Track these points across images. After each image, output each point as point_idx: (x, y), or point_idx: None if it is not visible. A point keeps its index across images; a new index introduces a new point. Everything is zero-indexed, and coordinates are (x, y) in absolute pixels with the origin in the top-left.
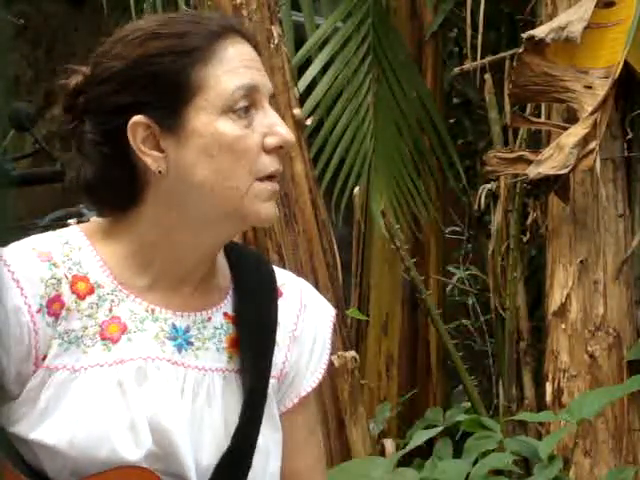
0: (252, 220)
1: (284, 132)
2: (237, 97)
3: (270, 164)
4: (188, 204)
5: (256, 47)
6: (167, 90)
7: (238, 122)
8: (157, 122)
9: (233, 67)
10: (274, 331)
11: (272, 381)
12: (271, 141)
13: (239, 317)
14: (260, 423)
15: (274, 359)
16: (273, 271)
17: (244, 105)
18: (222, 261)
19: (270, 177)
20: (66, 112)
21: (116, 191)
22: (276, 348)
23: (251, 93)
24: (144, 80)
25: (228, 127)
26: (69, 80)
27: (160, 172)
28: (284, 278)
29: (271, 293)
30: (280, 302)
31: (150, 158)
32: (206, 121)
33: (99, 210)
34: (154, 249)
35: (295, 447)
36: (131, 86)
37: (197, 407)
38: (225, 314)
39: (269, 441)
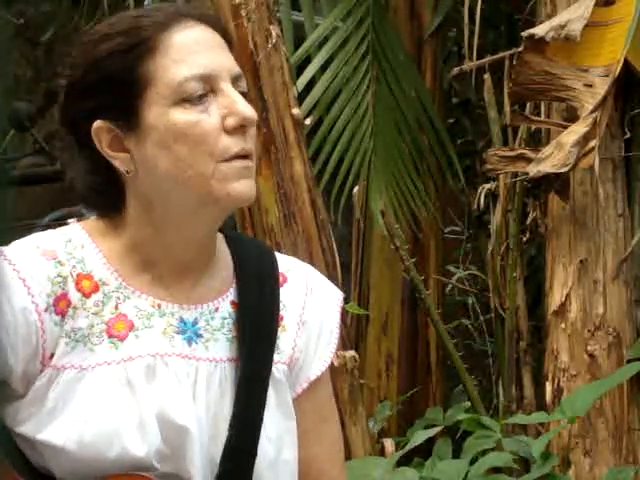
0: (225, 202)
1: (244, 109)
2: (187, 88)
3: (234, 144)
4: (164, 199)
5: (216, 27)
6: (119, 90)
7: (192, 109)
8: (117, 124)
9: (181, 55)
10: (276, 316)
11: (283, 367)
12: (231, 121)
13: (240, 304)
14: (261, 410)
15: (283, 345)
16: (275, 258)
17: (198, 94)
18: (224, 250)
19: (240, 157)
20: (60, 125)
21: (101, 195)
22: (285, 334)
23: (204, 80)
24: (98, 85)
25: (180, 116)
26: (60, 95)
27: (128, 172)
28: (288, 264)
29: (272, 279)
30: (286, 287)
31: (118, 160)
32: (158, 114)
33: (94, 212)
34: (149, 247)
35: (305, 435)
36: (88, 93)
37: (211, 399)
38: (232, 302)
39: (281, 429)
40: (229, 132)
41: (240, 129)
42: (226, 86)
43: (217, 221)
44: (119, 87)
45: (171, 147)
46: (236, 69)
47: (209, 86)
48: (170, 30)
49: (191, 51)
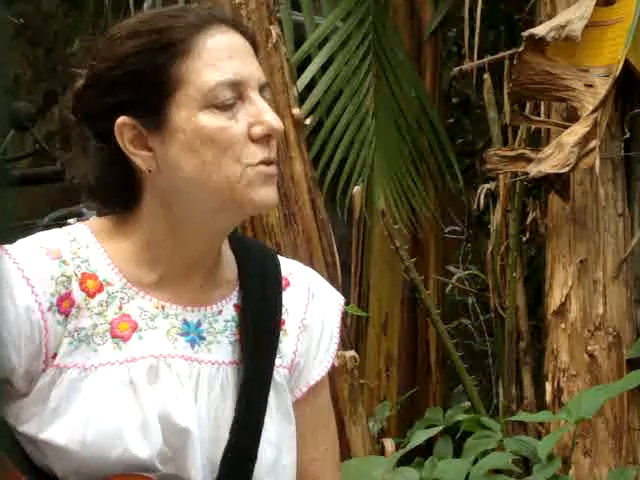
0: (248, 208)
1: (271, 120)
2: (218, 93)
3: (260, 152)
4: (184, 200)
5: (246, 34)
6: (148, 88)
7: (220, 115)
8: (141, 121)
9: (214, 60)
10: (278, 320)
11: (284, 372)
12: (257, 130)
13: (243, 307)
14: (262, 414)
15: (285, 349)
16: (278, 261)
17: (227, 98)
18: (228, 253)
19: (264, 163)
20: (73, 114)
21: (117, 191)
22: (286, 338)
23: (234, 87)
24: (126, 80)
25: (209, 120)
26: (76, 83)
27: (150, 171)
28: (291, 267)
29: (276, 282)
30: (288, 291)
31: (139, 158)
32: (187, 116)
33: (102, 210)
34: (160, 246)
35: (303, 439)
36: (114, 87)
37: (212, 402)
38: (235, 306)
39: (282, 433)
40: (254, 141)
41: (265, 138)
42: (254, 94)
43: (234, 224)
44: (148, 85)
45: (197, 150)
46: (263, 78)
47: (238, 93)
48: (204, 33)
49: (224, 57)
